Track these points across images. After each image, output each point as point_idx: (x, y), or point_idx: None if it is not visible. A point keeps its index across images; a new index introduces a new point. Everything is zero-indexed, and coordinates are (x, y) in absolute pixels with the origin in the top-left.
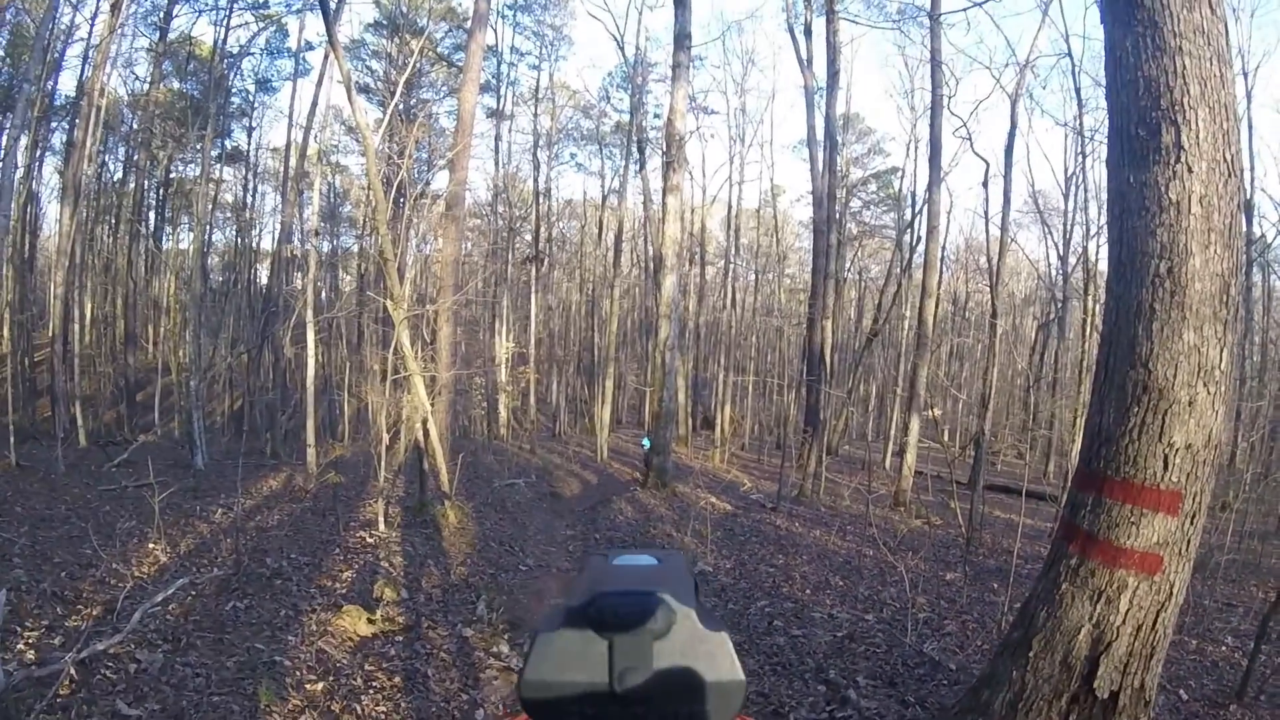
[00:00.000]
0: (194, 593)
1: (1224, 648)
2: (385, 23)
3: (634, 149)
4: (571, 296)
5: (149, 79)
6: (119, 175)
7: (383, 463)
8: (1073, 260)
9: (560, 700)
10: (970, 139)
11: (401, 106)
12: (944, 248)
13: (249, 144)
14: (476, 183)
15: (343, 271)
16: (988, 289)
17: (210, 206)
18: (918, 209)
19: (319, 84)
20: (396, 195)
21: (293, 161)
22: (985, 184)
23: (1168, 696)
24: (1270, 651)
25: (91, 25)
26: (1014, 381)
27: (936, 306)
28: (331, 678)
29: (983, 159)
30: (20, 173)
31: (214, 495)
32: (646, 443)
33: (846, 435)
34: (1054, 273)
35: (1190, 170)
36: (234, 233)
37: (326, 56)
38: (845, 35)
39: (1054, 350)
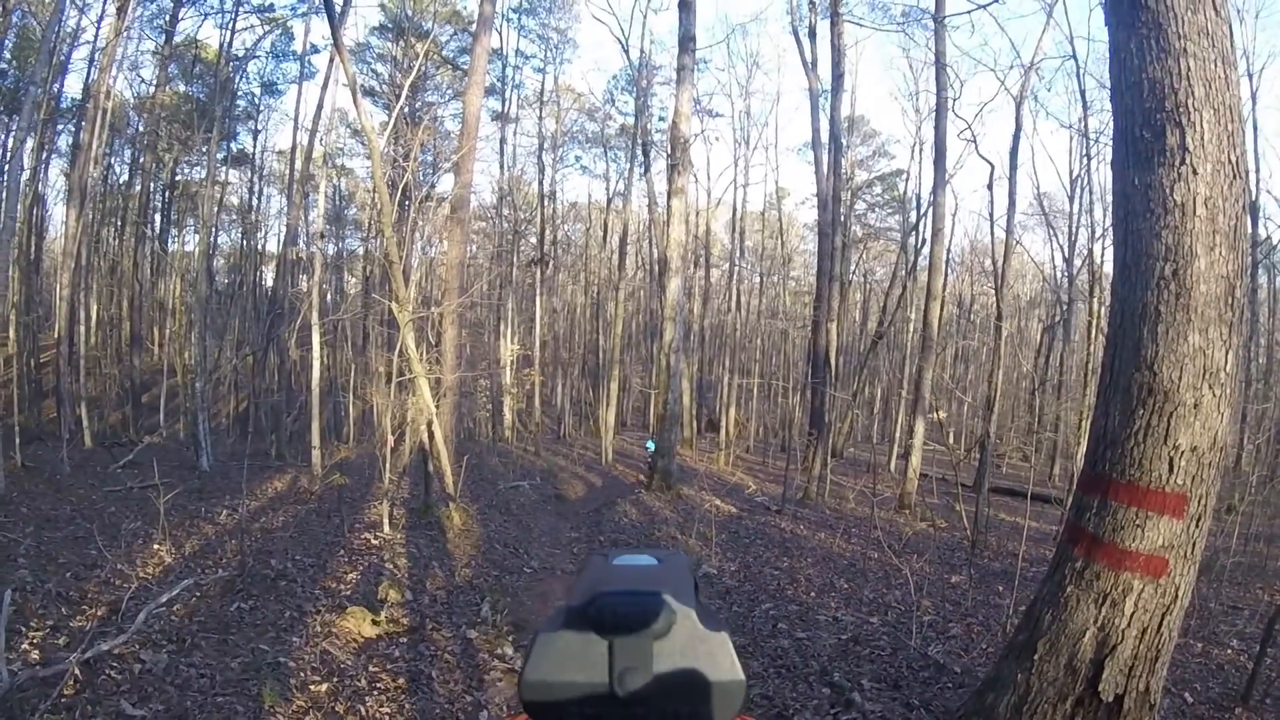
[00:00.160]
0: (199, 594)
1: (1229, 651)
2: (390, 26)
3: (639, 152)
4: (576, 299)
5: (154, 82)
6: (124, 178)
7: (388, 464)
8: (1078, 263)
9: (561, 701)
10: (975, 141)
11: (406, 110)
12: (949, 250)
13: (254, 147)
14: (481, 186)
15: (348, 274)
16: (993, 291)
17: (216, 209)
18: (922, 211)
19: (324, 87)
20: (401, 198)
21: (298, 164)
22: (990, 186)
23: (1173, 700)
24: (1276, 654)
25: (97, 28)
26: (1019, 384)
27: (941, 309)
28: (336, 679)
29: (988, 161)
30: (26, 175)
31: (219, 496)
32: (651, 445)
33: (851, 438)
34: (1059, 275)
35: (1195, 172)
36: (239, 235)
37: (332, 60)
38: (850, 38)
39: (1059, 353)
